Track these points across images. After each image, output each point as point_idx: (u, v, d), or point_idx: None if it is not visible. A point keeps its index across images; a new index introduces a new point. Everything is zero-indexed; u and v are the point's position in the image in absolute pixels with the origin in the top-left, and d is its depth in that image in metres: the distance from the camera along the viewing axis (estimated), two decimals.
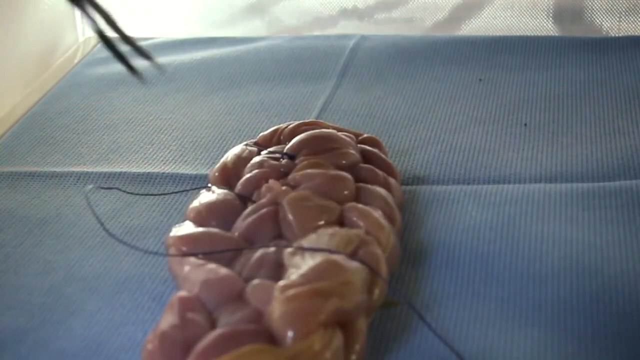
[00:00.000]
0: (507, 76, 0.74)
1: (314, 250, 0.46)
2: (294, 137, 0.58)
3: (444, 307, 0.47)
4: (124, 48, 0.45)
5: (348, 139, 0.58)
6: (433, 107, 0.70)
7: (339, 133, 0.58)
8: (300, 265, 0.45)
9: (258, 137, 0.61)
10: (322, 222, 0.50)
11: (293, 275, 0.44)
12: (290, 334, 0.41)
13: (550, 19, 0.89)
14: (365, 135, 0.60)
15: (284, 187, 0.52)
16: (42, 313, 0.49)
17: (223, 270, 0.46)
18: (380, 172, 0.55)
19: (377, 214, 0.51)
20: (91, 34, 0.93)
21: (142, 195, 0.59)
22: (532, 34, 0.88)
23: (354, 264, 0.45)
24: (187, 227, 0.51)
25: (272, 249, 0.48)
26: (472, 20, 0.91)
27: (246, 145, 0.60)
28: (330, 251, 0.46)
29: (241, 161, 0.57)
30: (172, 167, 0.64)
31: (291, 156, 0.56)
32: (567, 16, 0.88)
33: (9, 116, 0.75)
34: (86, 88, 0.79)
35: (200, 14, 0.97)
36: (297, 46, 0.83)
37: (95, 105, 0.75)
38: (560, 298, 0.46)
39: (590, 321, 0.45)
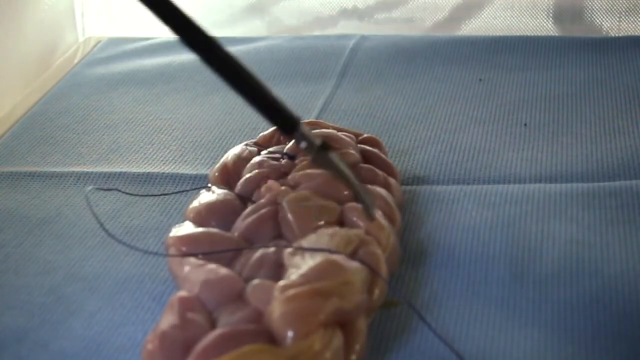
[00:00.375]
0: (507, 76, 0.74)
1: (314, 250, 0.46)
2: None
3: (444, 307, 0.47)
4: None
5: (348, 139, 0.58)
6: (433, 107, 0.70)
7: (339, 133, 0.58)
8: (300, 265, 0.45)
9: (258, 137, 0.61)
10: (322, 222, 0.50)
11: (293, 275, 0.44)
12: (290, 334, 0.41)
13: (550, 19, 0.89)
14: (365, 135, 0.60)
15: (283, 187, 0.52)
16: (42, 313, 0.49)
17: (223, 270, 0.46)
18: (380, 172, 0.55)
19: (377, 214, 0.51)
20: (91, 34, 0.93)
21: (142, 196, 0.59)
22: (532, 34, 0.88)
23: (354, 264, 0.45)
24: (187, 227, 0.51)
25: (272, 249, 0.48)
26: (472, 20, 0.91)
27: (246, 145, 0.60)
28: (330, 251, 0.46)
29: (241, 161, 0.57)
30: (172, 167, 0.64)
31: (291, 156, 0.56)
32: (567, 16, 0.88)
33: (9, 116, 0.75)
34: (86, 88, 0.79)
35: (200, 14, 0.96)
36: (297, 46, 0.83)
37: (95, 105, 0.75)
38: (560, 298, 0.46)
39: (590, 321, 0.45)
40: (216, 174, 0.57)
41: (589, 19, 0.88)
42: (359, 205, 0.51)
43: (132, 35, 0.90)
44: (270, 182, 0.53)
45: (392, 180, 0.55)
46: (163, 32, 0.93)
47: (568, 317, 0.45)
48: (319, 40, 0.85)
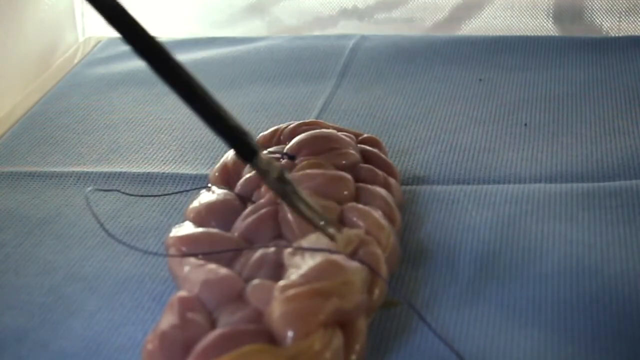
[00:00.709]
0: (507, 76, 0.74)
1: (314, 250, 0.46)
2: (294, 137, 0.58)
3: (444, 307, 0.47)
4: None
5: (348, 139, 0.58)
6: (433, 107, 0.70)
7: (339, 133, 0.58)
8: (300, 265, 0.45)
9: (258, 137, 0.61)
10: (322, 223, 0.50)
11: (293, 275, 0.44)
12: (290, 334, 0.41)
13: (550, 19, 0.89)
14: (365, 135, 0.60)
15: None
16: (42, 313, 0.49)
17: (223, 271, 0.46)
18: (380, 172, 0.55)
19: (377, 214, 0.51)
20: (91, 34, 0.93)
21: (142, 196, 0.59)
22: (532, 34, 0.88)
23: (354, 264, 0.45)
24: (187, 228, 0.51)
25: (272, 249, 0.48)
26: (472, 20, 0.91)
27: None
28: (330, 251, 0.46)
29: (241, 161, 0.57)
30: (172, 167, 0.64)
31: (291, 156, 0.56)
32: (567, 16, 0.88)
33: (9, 116, 0.75)
34: (86, 88, 0.79)
35: (200, 14, 0.97)
36: (297, 46, 0.83)
37: (95, 105, 0.75)
38: (560, 298, 0.46)
39: (590, 321, 0.44)
40: (216, 174, 0.57)
41: (589, 19, 0.88)
42: (359, 205, 0.51)
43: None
44: None
45: (392, 180, 0.55)
46: (163, 33, 0.93)
47: (568, 317, 0.45)
48: (319, 40, 0.85)
